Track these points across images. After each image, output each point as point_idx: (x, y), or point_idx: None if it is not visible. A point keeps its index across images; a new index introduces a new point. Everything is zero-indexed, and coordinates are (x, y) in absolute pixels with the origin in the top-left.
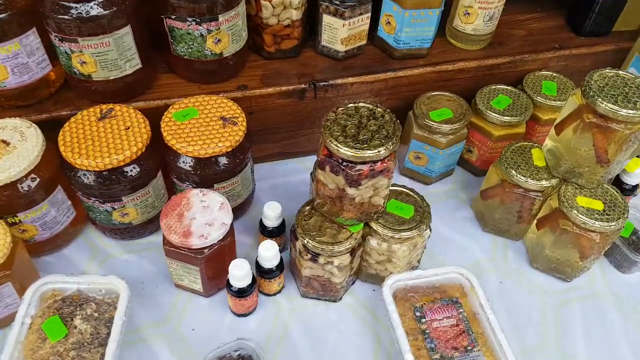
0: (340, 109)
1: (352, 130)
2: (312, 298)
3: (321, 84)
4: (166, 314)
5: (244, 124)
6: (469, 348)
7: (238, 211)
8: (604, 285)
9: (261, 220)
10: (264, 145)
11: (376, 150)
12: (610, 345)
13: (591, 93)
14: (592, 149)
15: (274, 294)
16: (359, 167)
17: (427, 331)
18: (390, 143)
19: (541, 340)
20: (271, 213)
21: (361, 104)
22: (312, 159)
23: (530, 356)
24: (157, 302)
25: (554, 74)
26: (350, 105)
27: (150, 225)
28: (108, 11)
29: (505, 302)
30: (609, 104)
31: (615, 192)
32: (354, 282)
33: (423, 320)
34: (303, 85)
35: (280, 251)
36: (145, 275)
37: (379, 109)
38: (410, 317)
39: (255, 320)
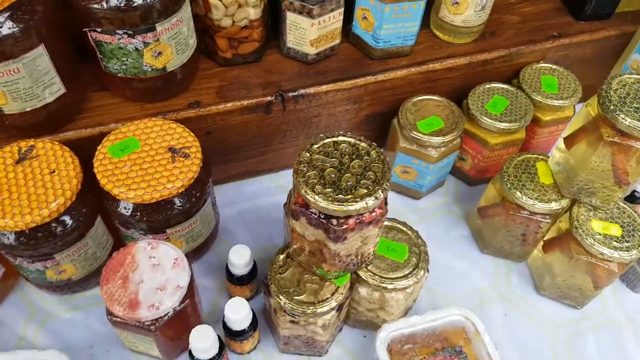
0: (316, 146)
1: (332, 175)
2: (293, 354)
3: (290, 94)
4: None
5: (199, 154)
6: None
7: (199, 252)
8: (618, 309)
9: (227, 265)
10: (226, 165)
11: (364, 203)
12: None
13: (611, 107)
14: (611, 169)
15: (248, 353)
16: (343, 220)
17: None
18: (380, 190)
19: None
20: (239, 261)
21: (341, 138)
22: (285, 176)
23: None
24: None
25: (554, 67)
26: (328, 140)
27: (94, 277)
28: (12, 31)
29: (512, 338)
30: (633, 121)
31: (633, 212)
32: (341, 329)
33: None
34: (269, 98)
35: (252, 297)
36: (95, 337)
37: (362, 143)
38: None
39: None
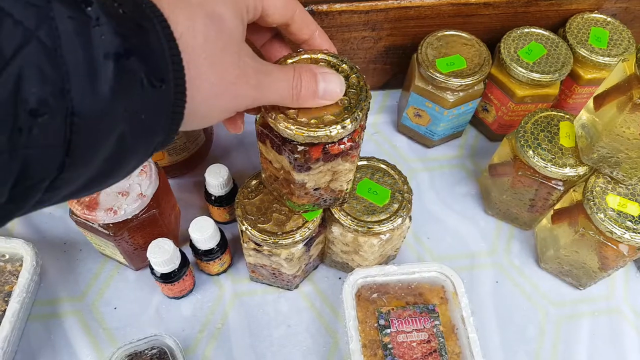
0: (290, 60)
1: None
2: (262, 283)
3: None
4: (86, 285)
5: None
6: None
7: (186, 167)
8: (625, 298)
9: (205, 185)
10: None
11: (327, 130)
12: None
13: None
14: (639, 137)
15: (217, 274)
16: (305, 148)
17: (390, 346)
18: (349, 119)
19: None
20: (214, 181)
21: (320, 56)
22: None
23: None
24: (77, 270)
25: (608, 19)
26: (305, 56)
27: None
28: None
29: (497, 308)
30: None
31: None
32: (317, 267)
33: (387, 331)
34: None
35: (232, 221)
36: (70, 234)
37: (344, 65)
38: (372, 326)
39: (190, 305)
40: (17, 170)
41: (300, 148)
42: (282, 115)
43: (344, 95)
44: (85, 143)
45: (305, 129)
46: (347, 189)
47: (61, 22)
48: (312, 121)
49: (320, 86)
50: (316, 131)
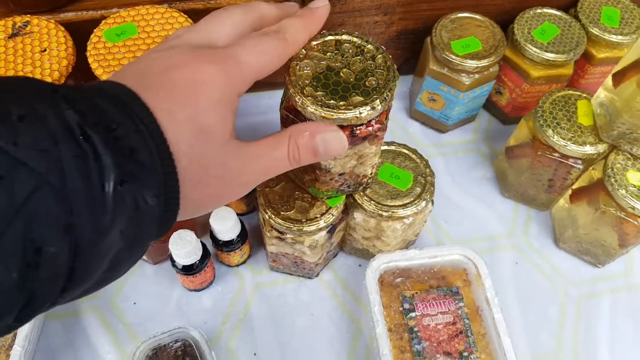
0: (315, 43)
1: (328, 78)
2: (282, 272)
3: None
4: None
5: None
6: (465, 354)
7: None
8: None
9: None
10: None
11: (357, 112)
12: None
13: None
14: None
15: (237, 265)
16: None
17: (416, 329)
18: (378, 100)
19: (556, 345)
20: (220, 227)
21: (345, 37)
22: None
23: None
24: None
25: None
26: (330, 38)
27: None
28: None
29: (518, 290)
30: None
31: None
32: (336, 254)
33: (412, 314)
34: None
35: (250, 212)
36: None
37: (369, 45)
38: (397, 310)
39: (211, 297)
40: (25, 300)
41: None
42: (310, 98)
43: (371, 77)
44: (85, 267)
45: (334, 111)
46: (371, 173)
47: (66, 163)
48: (341, 103)
49: (320, 150)
50: (345, 113)
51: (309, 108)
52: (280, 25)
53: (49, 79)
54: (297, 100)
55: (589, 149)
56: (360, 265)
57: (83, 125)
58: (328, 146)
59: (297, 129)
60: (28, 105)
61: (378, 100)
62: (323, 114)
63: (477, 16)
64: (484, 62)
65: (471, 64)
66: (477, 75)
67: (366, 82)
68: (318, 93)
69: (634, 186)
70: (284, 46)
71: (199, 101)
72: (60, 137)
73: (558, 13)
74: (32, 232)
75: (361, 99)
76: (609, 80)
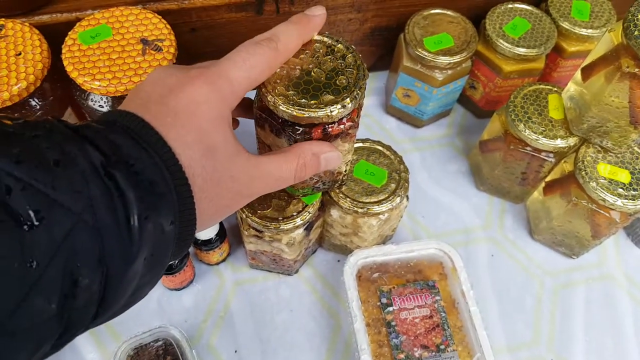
0: None
1: (299, 77)
2: (262, 270)
3: None
4: None
5: (172, 49)
6: (442, 347)
7: None
8: (617, 265)
9: None
10: None
11: (328, 110)
12: (616, 342)
13: (636, 32)
14: (627, 106)
15: (216, 264)
16: (305, 129)
17: (393, 323)
18: (348, 99)
19: (533, 334)
20: None
21: (316, 37)
22: None
23: (516, 355)
24: None
25: None
26: None
27: None
28: None
29: (494, 281)
30: None
31: None
32: (315, 250)
33: (389, 309)
34: None
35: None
36: None
37: (339, 45)
38: (375, 305)
39: (191, 295)
40: (62, 329)
41: (300, 130)
42: (281, 97)
43: (341, 76)
44: (114, 294)
45: (306, 109)
46: (345, 170)
47: (96, 201)
48: (312, 102)
49: (322, 166)
50: (317, 111)
51: (280, 107)
52: (274, 32)
53: (24, 83)
54: (269, 99)
55: (560, 143)
56: (339, 261)
57: (106, 165)
58: (329, 163)
59: (304, 150)
60: (60, 149)
61: (348, 99)
62: (295, 113)
63: (449, 12)
64: (456, 58)
65: (444, 60)
66: (450, 71)
67: (337, 81)
68: (290, 92)
69: (605, 178)
70: (275, 55)
71: (201, 122)
72: (90, 178)
73: (529, 8)
74: (70, 266)
75: (332, 97)
76: (578, 74)
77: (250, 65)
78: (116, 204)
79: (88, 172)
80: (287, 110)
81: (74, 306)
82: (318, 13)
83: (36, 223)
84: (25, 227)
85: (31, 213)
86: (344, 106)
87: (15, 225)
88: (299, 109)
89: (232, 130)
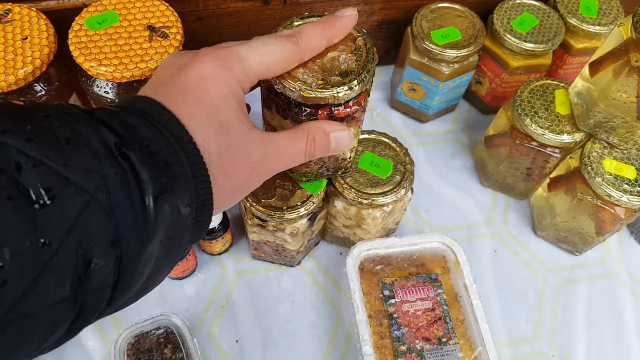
0: (297, 23)
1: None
2: (264, 261)
3: None
4: None
5: (179, 36)
6: (444, 340)
7: None
8: (619, 263)
9: None
10: None
11: (334, 91)
12: (618, 339)
13: None
14: (635, 101)
15: (219, 254)
16: (311, 111)
17: (395, 315)
18: (356, 81)
19: (534, 330)
20: None
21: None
22: None
23: (517, 350)
24: None
25: None
26: (311, 19)
27: None
28: None
29: (497, 277)
30: None
31: None
32: (318, 243)
33: (392, 301)
34: None
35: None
36: None
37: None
38: (377, 297)
39: (193, 284)
40: (76, 312)
41: (306, 111)
42: (289, 77)
43: (350, 57)
44: (129, 277)
45: (312, 89)
46: (350, 157)
47: (110, 180)
48: (319, 82)
49: (332, 145)
50: (323, 92)
51: (287, 84)
52: (297, 29)
53: (30, 67)
54: (276, 78)
55: (566, 138)
56: (341, 254)
57: (120, 146)
58: (339, 142)
59: (313, 126)
60: (72, 128)
61: (356, 81)
62: (302, 93)
63: (457, 6)
64: (463, 52)
65: (450, 53)
66: (456, 65)
67: (346, 62)
68: (297, 72)
69: (610, 174)
70: (294, 50)
71: (212, 97)
72: (103, 157)
73: (537, 3)
74: (83, 246)
75: (339, 79)
76: (585, 70)
77: (265, 52)
78: (131, 184)
79: (101, 151)
80: (293, 89)
81: (88, 288)
82: (348, 14)
83: (48, 201)
84: (37, 205)
85: (42, 191)
86: (350, 88)
87: (26, 203)
88: (305, 89)
89: (244, 107)
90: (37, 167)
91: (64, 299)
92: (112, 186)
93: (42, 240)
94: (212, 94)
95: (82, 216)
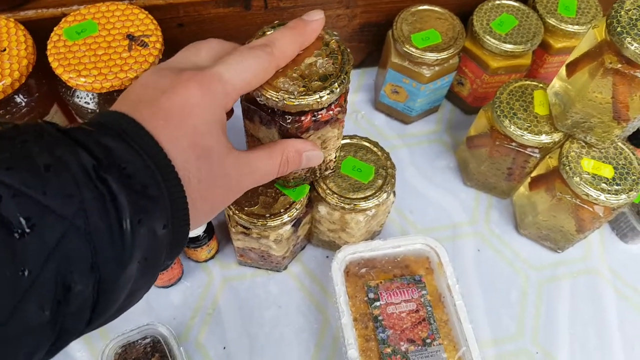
0: (269, 32)
1: (284, 66)
2: (250, 267)
3: None
4: None
5: (158, 44)
6: (428, 341)
7: None
8: (601, 259)
9: None
10: None
11: (317, 96)
12: (600, 335)
13: (618, 28)
14: (610, 101)
15: (205, 261)
16: (295, 118)
17: (380, 318)
18: (336, 84)
19: (517, 328)
20: None
21: None
22: None
23: (501, 348)
24: None
25: None
26: (281, 26)
27: None
28: None
29: (481, 275)
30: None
31: (631, 154)
32: (304, 246)
33: (376, 303)
34: None
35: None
36: None
37: (322, 33)
38: (362, 300)
39: (179, 292)
40: (55, 335)
41: (290, 119)
42: (270, 87)
43: (327, 61)
44: (107, 299)
45: (295, 97)
46: (335, 157)
47: (88, 205)
48: (301, 89)
49: (303, 163)
50: (306, 98)
51: (269, 95)
52: (270, 38)
53: (9, 79)
54: (258, 90)
55: (544, 138)
56: (327, 257)
57: (98, 169)
58: (310, 160)
59: (288, 146)
60: (50, 153)
61: (336, 84)
62: (285, 102)
63: (437, 8)
64: (443, 55)
65: (431, 56)
66: (437, 68)
67: (324, 66)
68: (277, 81)
69: (588, 173)
70: (270, 60)
71: (196, 125)
72: (82, 182)
73: (516, 4)
74: (62, 272)
75: (320, 83)
76: (563, 70)
77: (243, 67)
78: (108, 207)
79: (80, 176)
80: (276, 99)
81: (67, 312)
82: (316, 18)
83: (27, 230)
84: (16, 234)
85: (22, 220)
86: (332, 91)
87: (6, 234)
88: (288, 98)
89: (225, 131)
90: (17, 197)
91: (44, 324)
92: (90, 211)
93: (22, 269)
94: (197, 122)
95: (61, 243)
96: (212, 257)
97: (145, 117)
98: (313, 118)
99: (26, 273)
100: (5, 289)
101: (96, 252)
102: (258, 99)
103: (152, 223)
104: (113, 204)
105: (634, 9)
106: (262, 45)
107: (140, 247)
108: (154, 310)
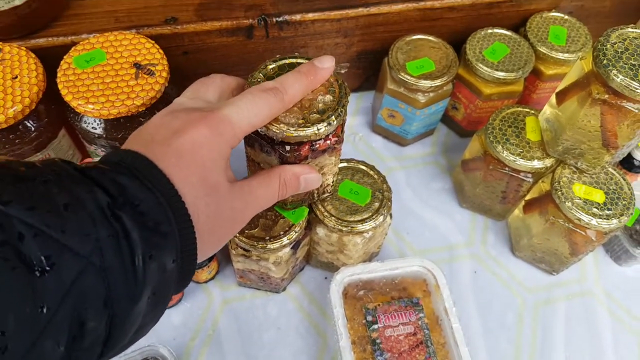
0: (271, 67)
1: None
2: (250, 288)
3: (273, 19)
4: None
5: (164, 73)
6: None
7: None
8: (596, 281)
9: None
10: None
11: (315, 128)
12: (595, 357)
13: (604, 61)
14: (599, 130)
15: (205, 282)
16: (294, 147)
17: (378, 341)
18: (333, 116)
19: (514, 350)
20: None
21: (299, 60)
22: None
23: None
24: None
25: (566, 17)
26: (284, 61)
27: None
28: None
29: (477, 298)
30: (625, 78)
31: (621, 179)
32: (303, 268)
33: (374, 326)
34: (250, 21)
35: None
36: None
37: None
38: (360, 322)
39: (180, 314)
40: None
41: (289, 148)
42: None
43: (324, 93)
44: (119, 333)
45: (294, 129)
46: (332, 181)
47: (104, 243)
48: (300, 121)
49: (301, 187)
50: (305, 130)
51: (271, 128)
52: (282, 83)
53: (19, 106)
54: None
55: (537, 164)
56: (326, 278)
57: (113, 207)
58: (308, 183)
59: (285, 171)
60: (69, 193)
61: (333, 117)
62: (285, 133)
63: (431, 38)
64: (437, 82)
65: (425, 84)
66: (432, 94)
67: (323, 99)
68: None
69: (580, 198)
70: (280, 106)
71: (204, 163)
72: (98, 220)
73: (508, 33)
74: (78, 309)
75: (318, 116)
76: (553, 98)
77: (254, 113)
78: (122, 244)
79: (96, 213)
80: (277, 131)
81: (81, 347)
82: (327, 66)
83: (47, 268)
84: (37, 272)
85: (42, 259)
86: (329, 124)
87: (27, 272)
88: (287, 130)
89: (229, 164)
90: (38, 237)
91: (59, 359)
92: (106, 248)
93: (41, 306)
94: (205, 159)
95: (78, 281)
96: (212, 278)
97: (157, 155)
98: (311, 147)
99: (45, 310)
100: (25, 326)
101: (110, 289)
102: (259, 130)
103: (163, 258)
104: (126, 240)
105: (619, 42)
106: (275, 90)
107: (151, 283)
108: (154, 331)
